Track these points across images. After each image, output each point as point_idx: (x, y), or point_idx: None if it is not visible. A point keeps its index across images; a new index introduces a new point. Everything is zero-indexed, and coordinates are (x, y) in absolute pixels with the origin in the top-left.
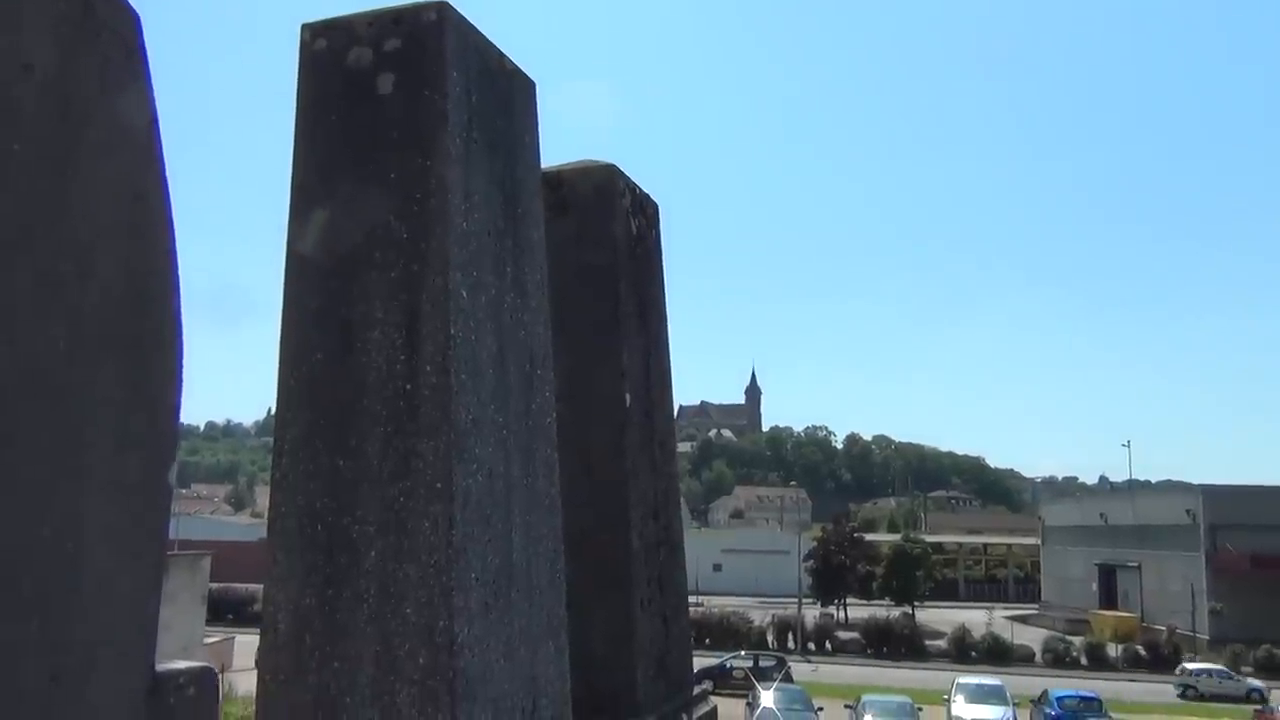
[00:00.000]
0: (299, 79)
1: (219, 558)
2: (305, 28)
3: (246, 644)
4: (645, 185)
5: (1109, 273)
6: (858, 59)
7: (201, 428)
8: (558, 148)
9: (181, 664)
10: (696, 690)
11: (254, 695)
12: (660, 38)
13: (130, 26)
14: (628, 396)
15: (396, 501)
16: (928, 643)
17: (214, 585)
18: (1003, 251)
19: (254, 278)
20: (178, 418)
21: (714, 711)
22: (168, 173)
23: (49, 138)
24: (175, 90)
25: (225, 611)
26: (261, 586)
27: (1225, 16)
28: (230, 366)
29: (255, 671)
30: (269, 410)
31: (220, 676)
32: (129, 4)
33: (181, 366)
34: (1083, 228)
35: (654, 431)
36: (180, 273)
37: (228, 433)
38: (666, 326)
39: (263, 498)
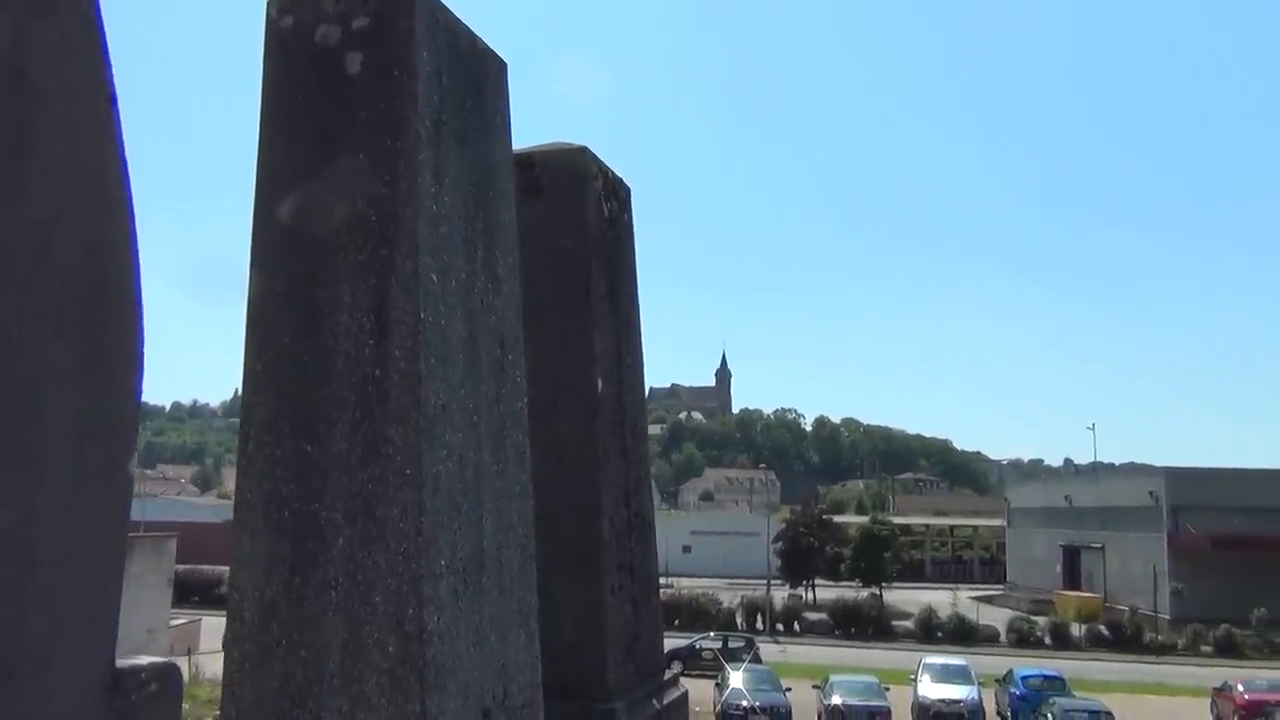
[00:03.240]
0: (265, 56)
1: (184, 539)
2: (272, 3)
3: (213, 626)
4: (614, 165)
5: (1073, 260)
6: (829, 47)
7: (167, 408)
8: (530, 127)
9: (144, 659)
10: (667, 675)
11: (220, 678)
12: (638, 20)
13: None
14: (599, 381)
15: (365, 488)
16: (895, 623)
17: (180, 567)
18: (970, 238)
19: (222, 255)
20: (138, 404)
21: (684, 697)
22: (126, 152)
23: (2, 114)
24: (142, 62)
25: (191, 593)
26: (227, 568)
27: (1192, 12)
28: (197, 346)
29: (222, 654)
30: (236, 391)
31: (187, 659)
32: None
33: (142, 351)
34: (1048, 216)
35: (625, 416)
36: (140, 255)
37: (194, 413)
38: (638, 310)
39: (229, 479)
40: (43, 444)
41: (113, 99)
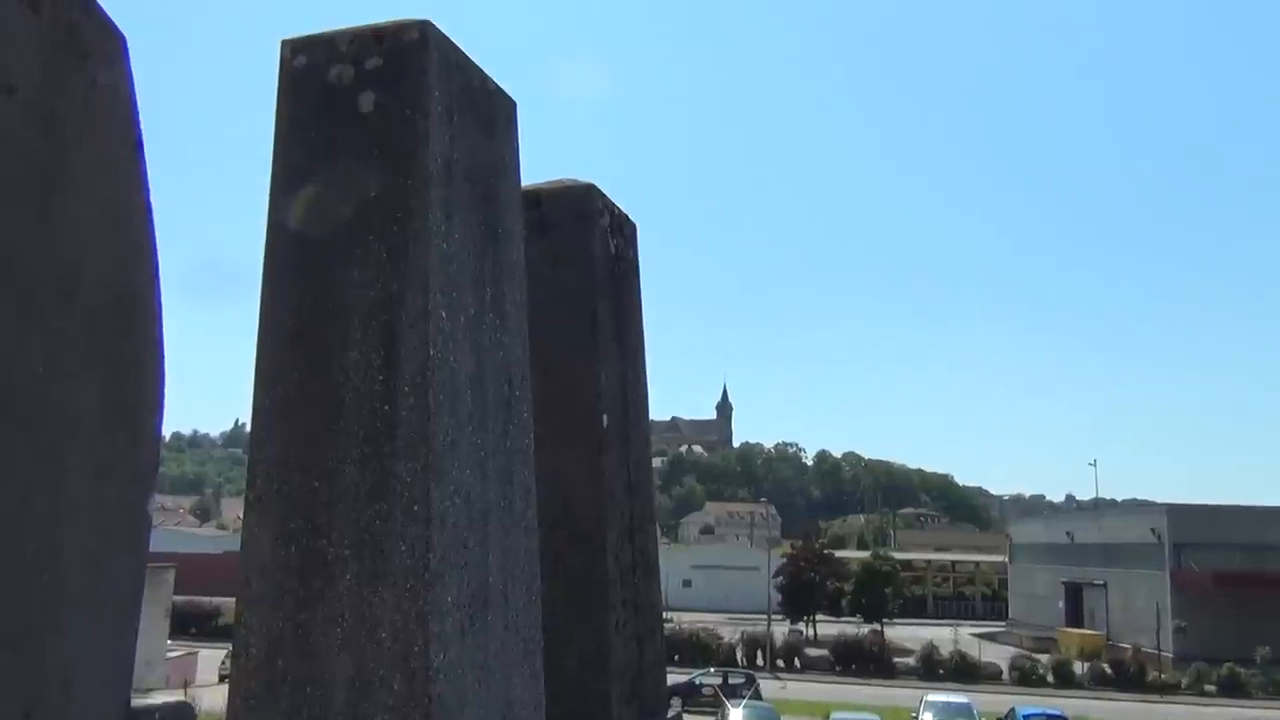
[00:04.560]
0: (278, 95)
1: (182, 570)
2: (285, 44)
3: (210, 658)
4: (614, 196)
5: (1076, 296)
6: (832, 84)
7: (168, 438)
8: (535, 162)
9: (158, 699)
10: (670, 713)
11: (217, 711)
12: (638, 53)
13: (116, 49)
14: (605, 418)
15: (373, 524)
16: (896, 660)
17: (177, 598)
18: (973, 274)
19: (225, 288)
20: (158, 444)
21: None
22: (151, 196)
23: (32, 160)
24: (165, 92)
25: (189, 625)
26: (225, 600)
27: (1196, 48)
28: (198, 377)
29: (219, 686)
30: (236, 421)
31: (184, 691)
32: (115, 27)
33: (163, 392)
34: (1051, 252)
35: (630, 453)
36: (163, 297)
37: (194, 443)
38: (644, 346)
39: (229, 509)
40: (65, 482)
41: (139, 145)
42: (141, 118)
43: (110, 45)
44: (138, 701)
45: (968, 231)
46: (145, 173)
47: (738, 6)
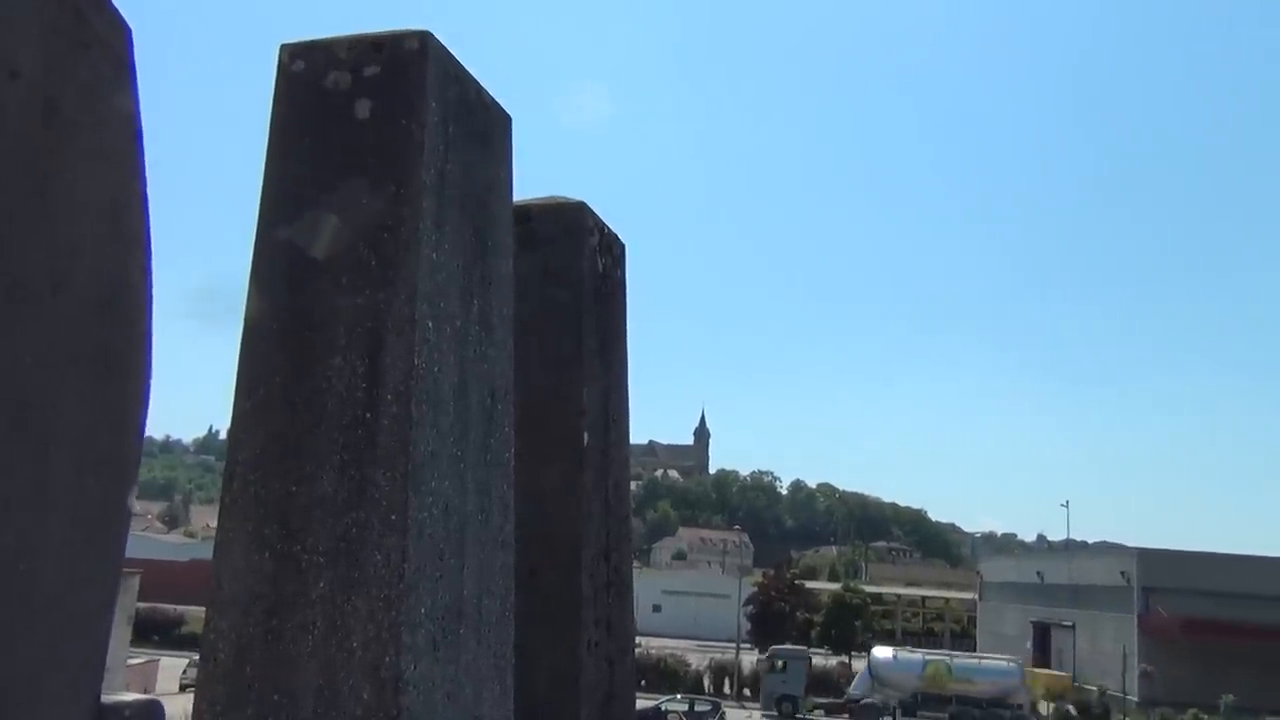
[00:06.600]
0: (274, 99)
1: (147, 577)
2: (284, 48)
3: (171, 666)
4: (605, 221)
5: (1052, 338)
6: (820, 117)
7: None
8: (525, 181)
9: (128, 696)
10: None
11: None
12: (630, 79)
13: (121, 39)
14: (585, 435)
15: (349, 532)
16: None
17: (141, 605)
18: (951, 313)
19: (204, 293)
20: (141, 439)
21: None
22: (148, 188)
23: (31, 145)
24: (164, 96)
25: (151, 632)
26: (189, 608)
27: (1178, 94)
28: (171, 383)
29: (179, 695)
30: (210, 427)
31: None
32: (121, 16)
33: (149, 386)
34: (1028, 294)
35: (610, 471)
36: (154, 292)
37: (166, 449)
38: (627, 367)
39: (198, 517)
40: (48, 474)
41: (139, 136)
42: (143, 109)
43: (115, 34)
44: (109, 698)
45: (948, 269)
46: (144, 164)
47: (730, 40)
